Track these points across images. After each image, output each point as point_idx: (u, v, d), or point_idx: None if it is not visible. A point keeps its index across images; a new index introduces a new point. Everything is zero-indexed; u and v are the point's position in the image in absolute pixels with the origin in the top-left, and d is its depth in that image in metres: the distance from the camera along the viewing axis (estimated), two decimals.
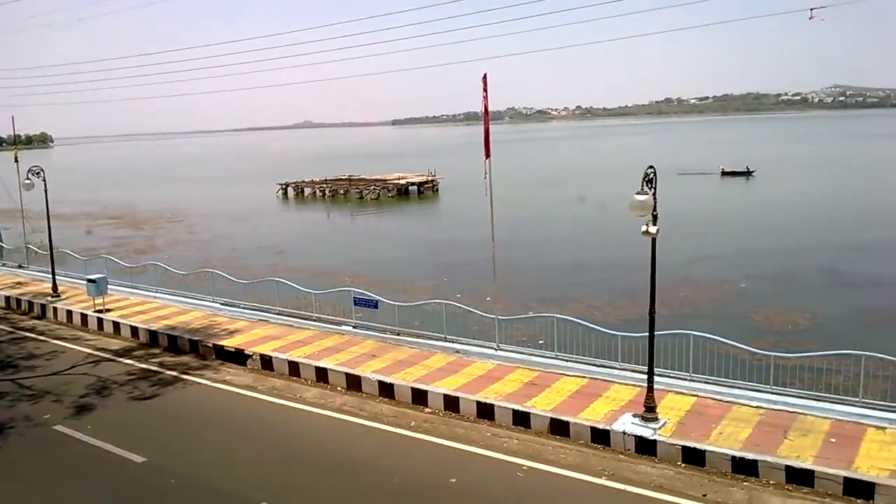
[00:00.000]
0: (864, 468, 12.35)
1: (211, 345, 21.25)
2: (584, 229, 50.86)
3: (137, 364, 20.64)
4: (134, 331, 23.41)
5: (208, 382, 19.14)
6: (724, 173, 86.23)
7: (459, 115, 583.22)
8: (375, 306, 21.25)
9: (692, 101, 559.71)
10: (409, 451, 14.61)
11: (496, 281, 19.83)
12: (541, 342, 19.32)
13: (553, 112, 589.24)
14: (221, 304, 25.27)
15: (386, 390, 17.46)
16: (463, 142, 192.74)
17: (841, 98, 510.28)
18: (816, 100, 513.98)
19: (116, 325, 24.01)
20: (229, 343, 21.13)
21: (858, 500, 11.94)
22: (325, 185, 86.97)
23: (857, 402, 14.51)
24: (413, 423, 15.82)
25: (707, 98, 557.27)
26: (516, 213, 52.45)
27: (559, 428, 14.87)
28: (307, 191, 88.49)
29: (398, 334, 20.88)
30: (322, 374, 18.72)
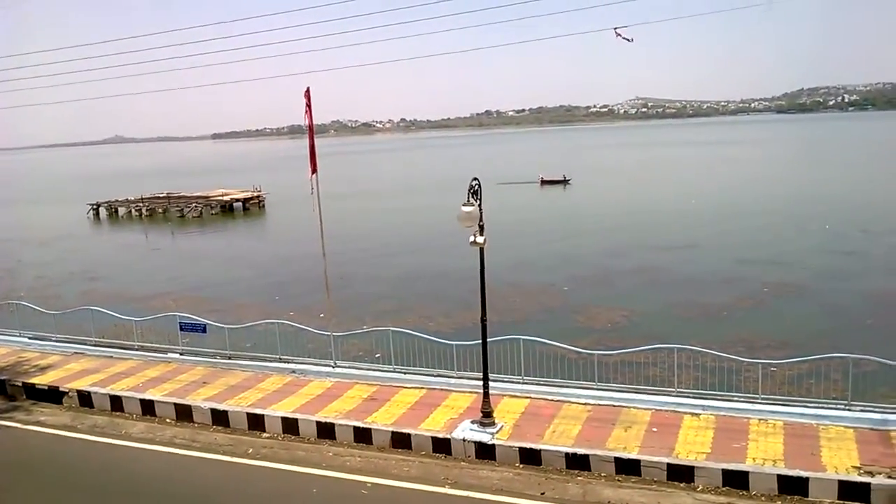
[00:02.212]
0: (684, 453, 13.37)
1: (20, 383, 19.40)
2: (414, 241, 51.51)
3: None
4: None
5: (19, 425, 17.45)
6: (543, 182, 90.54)
7: (284, 128, 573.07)
8: (204, 330, 20.29)
9: (510, 113, 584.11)
10: (248, 480, 14.05)
11: (329, 297, 19.61)
12: (378, 356, 19.32)
13: (378, 125, 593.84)
14: (30, 337, 23.14)
15: (220, 418, 16.73)
16: (288, 155, 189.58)
17: (643, 109, 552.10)
18: (622, 111, 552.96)
19: None
20: (41, 380, 19.38)
21: (681, 484, 12.90)
22: (141, 204, 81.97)
23: (674, 391, 15.68)
24: (251, 450, 15.26)
25: (524, 110, 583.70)
26: (347, 227, 52.23)
27: (401, 441, 14.92)
28: (122, 210, 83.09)
29: (230, 358, 20.07)
30: (148, 407, 17.63)
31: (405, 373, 17.98)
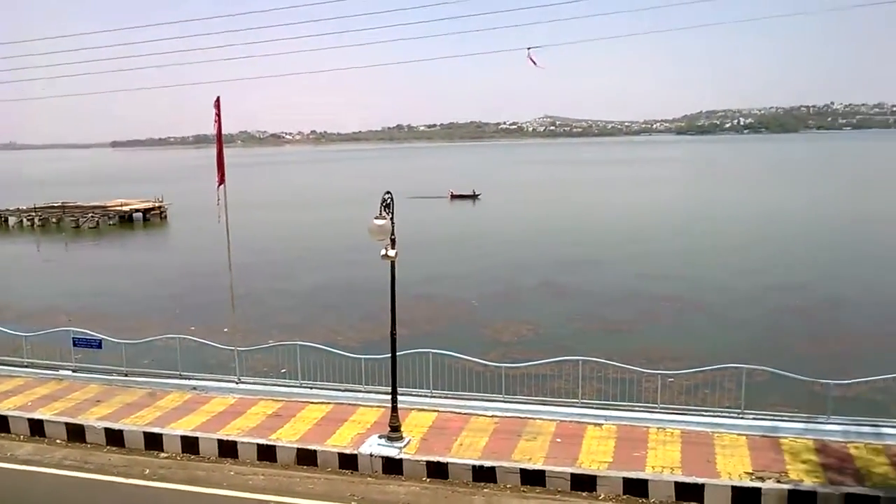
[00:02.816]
0: (587, 463, 13.65)
1: None
2: (322, 254, 50.91)
3: None
4: None
5: None
6: (453, 196, 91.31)
7: (189, 137, 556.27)
8: (99, 346, 19.40)
9: (422, 127, 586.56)
10: (143, 502, 13.47)
11: (234, 311, 19.11)
12: (284, 371, 18.93)
13: (287, 136, 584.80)
14: None
15: (114, 438, 15.98)
16: (193, 165, 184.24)
17: (552, 127, 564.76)
18: (530, 129, 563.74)
19: None
20: None
21: (584, 493, 13.16)
22: (33, 214, 77.77)
23: (578, 403, 16.01)
24: (147, 470, 14.62)
25: (435, 125, 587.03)
26: (254, 240, 51.13)
27: (307, 458, 14.63)
28: (12, 220, 78.68)
29: (126, 375, 19.21)
30: (37, 427, 16.66)
31: (312, 388, 17.69)
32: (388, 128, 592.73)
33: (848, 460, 13.49)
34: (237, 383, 18.25)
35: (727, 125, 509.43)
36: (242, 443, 15.15)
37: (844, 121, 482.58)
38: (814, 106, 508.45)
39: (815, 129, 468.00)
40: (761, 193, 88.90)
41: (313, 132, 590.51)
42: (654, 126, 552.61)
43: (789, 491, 12.53)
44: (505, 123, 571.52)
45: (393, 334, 14.90)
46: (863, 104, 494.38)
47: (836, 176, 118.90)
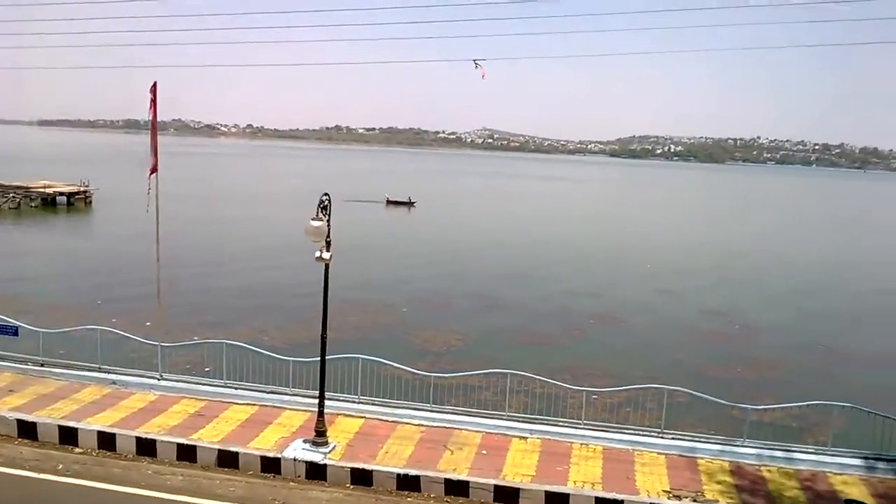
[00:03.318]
0: (511, 475, 13.80)
1: None
2: (254, 252, 49.97)
3: None
4: None
5: None
6: (388, 202, 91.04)
7: (119, 121, 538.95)
8: (15, 333, 18.57)
9: (360, 130, 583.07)
10: (55, 498, 12.97)
11: (160, 304, 18.64)
12: (207, 369, 18.55)
13: (222, 128, 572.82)
14: None
15: (27, 430, 15.33)
16: (122, 150, 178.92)
17: (490, 140, 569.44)
18: (469, 140, 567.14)
19: None
20: None
21: None
22: None
23: (504, 415, 16.17)
24: (61, 466, 14.07)
25: (374, 129, 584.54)
26: (183, 232, 49.98)
27: (228, 459, 14.35)
28: None
29: (42, 365, 18.45)
30: None
31: (237, 388, 17.34)
32: (327, 128, 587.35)
33: (761, 483, 14.02)
34: (159, 380, 17.75)
35: (658, 151, 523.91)
36: (162, 441, 14.75)
37: (769, 155, 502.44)
38: (741, 139, 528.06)
39: (741, 161, 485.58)
40: (690, 220, 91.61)
41: (249, 126, 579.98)
42: (589, 146, 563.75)
43: None
44: (444, 132, 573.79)
45: (324, 337, 14.79)
46: (787, 140, 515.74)
47: (759, 209, 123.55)
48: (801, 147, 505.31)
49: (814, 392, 18.25)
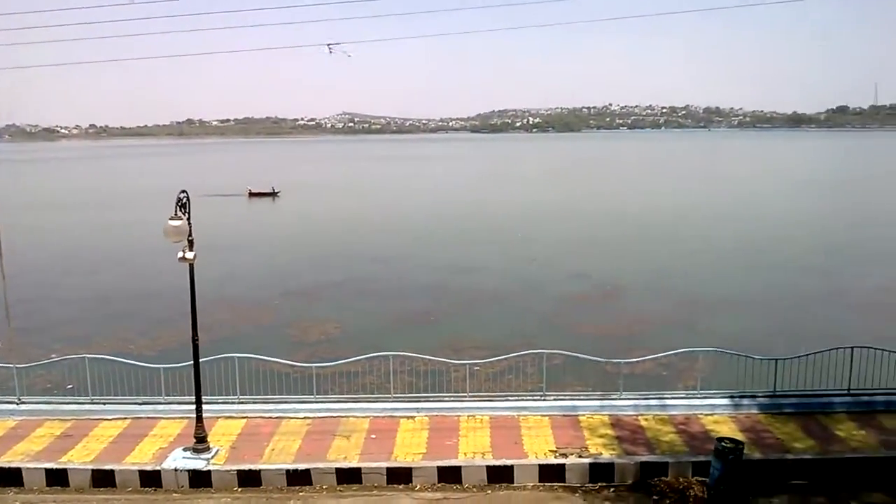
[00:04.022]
0: (402, 456, 13.81)
1: None
2: (107, 259, 47.26)
3: None
4: None
5: None
6: (251, 194, 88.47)
7: None
8: None
9: (214, 122, 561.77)
10: None
11: (10, 323, 17.23)
12: (70, 387, 17.36)
13: (63, 130, 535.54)
14: None
15: None
16: None
17: (350, 124, 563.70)
18: (329, 125, 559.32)
19: None
20: None
21: (400, 486, 13.28)
22: None
23: (390, 397, 16.12)
24: None
25: (229, 121, 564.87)
26: (28, 245, 46.50)
27: (104, 479, 13.52)
28: None
29: None
30: None
31: (106, 403, 16.31)
32: (178, 122, 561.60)
33: (640, 432, 14.71)
34: (17, 404, 16.41)
35: (517, 124, 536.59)
36: (28, 469, 13.70)
37: (621, 121, 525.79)
38: (594, 107, 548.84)
39: (596, 128, 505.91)
40: (550, 188, 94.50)
41: (93, 126, 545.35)
42: (450, 124, 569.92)
43: (590, 464, 13.46)
44: (303, 119, 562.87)
45: (195, 340, 14.14)
46: (636, 106, 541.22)
47: (611, 172, 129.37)
48: (650, 111, 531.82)
49: (680, 341, 19.29)
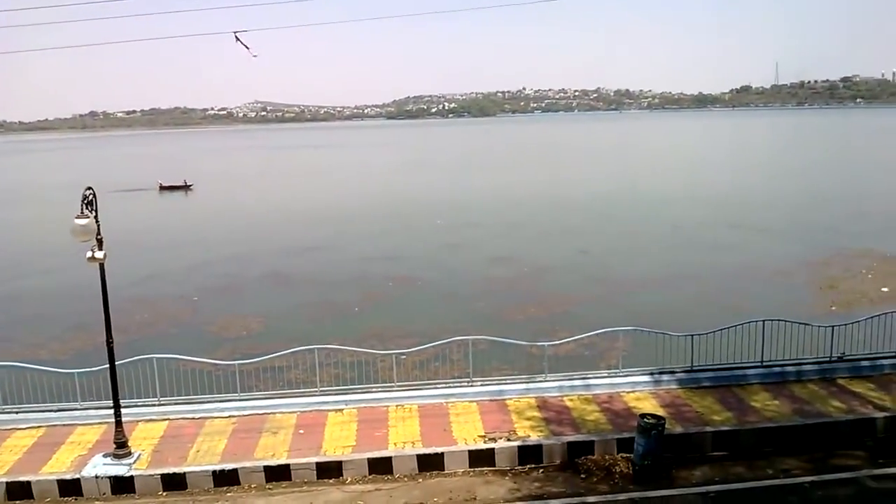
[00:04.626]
0: (331, 450, 13.71)
1: None
2: (11, 259, 45.02)
3: None
4: None
5: None
6: (162, 188, 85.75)
7: None
8: None
9: (119, 114, 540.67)
10: None
11: None
12: None
13: None
14: None
15: None
16: None
17: (263, 113, 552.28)
18: (241, 114, 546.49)
19: None
20: None
21: (330, 480, 13.19)
22: None
23: (317, 391, 15.96)
24: None
25: (135, 112, 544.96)
26: None
27: (19, 491, 12.96)
28: None
29: None
30: None
31: (17, 412, 15.55)
32: (80, 115, 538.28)
33: (565, 412, 15.03)
34: None
35: (433, 109, 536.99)
36: None
37: (535, 104, 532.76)
38: (508, 91, 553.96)
39: (511, 112, 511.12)
40: (462, 176, 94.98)
41: None
42: (366, 111, 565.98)
43: (519, 447, 13.68)
44: (213, 109, 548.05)
45: (109, 342, 13.65)
46: (549, 89, 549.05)
47: (526, 156, 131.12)
48: (563, 94, 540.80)
49: (602, 320, 19.75)
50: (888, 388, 15.88)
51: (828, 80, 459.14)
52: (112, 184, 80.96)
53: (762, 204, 57.91)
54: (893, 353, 17.07)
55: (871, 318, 17.20)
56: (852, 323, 17.14)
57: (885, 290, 29.58)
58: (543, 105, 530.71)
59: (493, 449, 13.67)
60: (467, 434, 14.16)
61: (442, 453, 13.59)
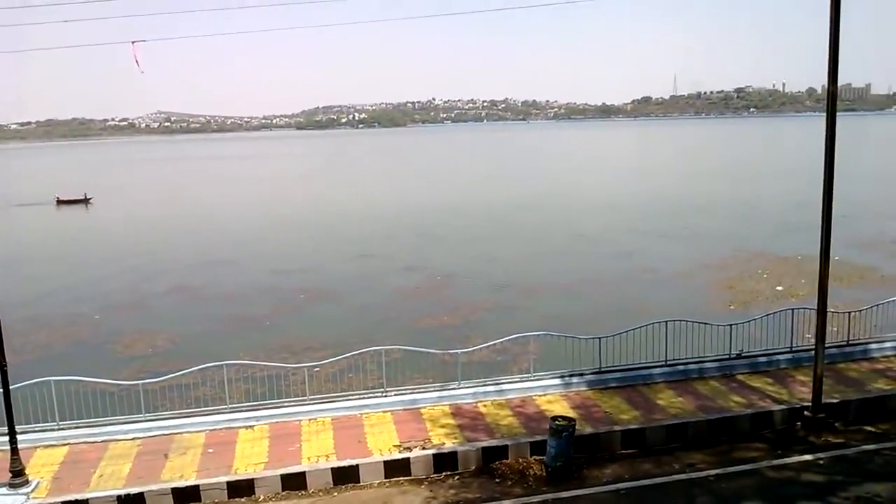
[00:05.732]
0: (243, 468, 13.38)
1: None
2: None
3: None
4: None
5: None
6: (60, 202, 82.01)
7: None
8: None
9: (13, 126, 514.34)
10: None
11: None
12: None
13: None
14: None
15: None
16: None
17: (167, 124, 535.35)
18: (144, 125, 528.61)
19: None
20: None
21: (242, 499, 12.87)
22: None
23: (226, 408, 15.53)
24: None
25: (29, 123, 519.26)
26: None
27: None
28: None
29: None
30: None
31: None
32: None
33: (479, 418, 15.17)
34: None
35: (343, 120, 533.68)
36: None
37: (445, 115, 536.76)
38: (419, 101, 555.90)
39: (421, 122, 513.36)
40: (374, 186, 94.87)
41: None
42: (275, 122, 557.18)
43: (434, 455, 13.71)
44: (114, 120, 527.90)
45: (2, 365, 12.93)
46: (458, 100, 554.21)
47: (434, 167, 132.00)
48: (472, 105, 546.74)
49: (512, 326, 20.11)
50: (784, 381, 16.73)
51: (723, 91, 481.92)
52: (3, 198, 76.98)
53: (662, 209, 60.05)
54: (788, 349, 17.99)
55: (767, 315, 18.12)
56: (749, 321, 18.02)
57: (779, 288, 31.16)
58: (453, 115, 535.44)
59: (408, 458, 13.64)
60: (382, 444, 14.10)
61: (357, 465, 13.47)
